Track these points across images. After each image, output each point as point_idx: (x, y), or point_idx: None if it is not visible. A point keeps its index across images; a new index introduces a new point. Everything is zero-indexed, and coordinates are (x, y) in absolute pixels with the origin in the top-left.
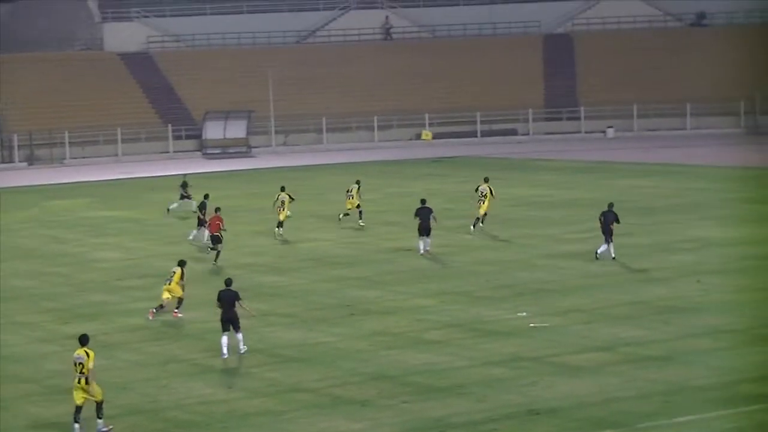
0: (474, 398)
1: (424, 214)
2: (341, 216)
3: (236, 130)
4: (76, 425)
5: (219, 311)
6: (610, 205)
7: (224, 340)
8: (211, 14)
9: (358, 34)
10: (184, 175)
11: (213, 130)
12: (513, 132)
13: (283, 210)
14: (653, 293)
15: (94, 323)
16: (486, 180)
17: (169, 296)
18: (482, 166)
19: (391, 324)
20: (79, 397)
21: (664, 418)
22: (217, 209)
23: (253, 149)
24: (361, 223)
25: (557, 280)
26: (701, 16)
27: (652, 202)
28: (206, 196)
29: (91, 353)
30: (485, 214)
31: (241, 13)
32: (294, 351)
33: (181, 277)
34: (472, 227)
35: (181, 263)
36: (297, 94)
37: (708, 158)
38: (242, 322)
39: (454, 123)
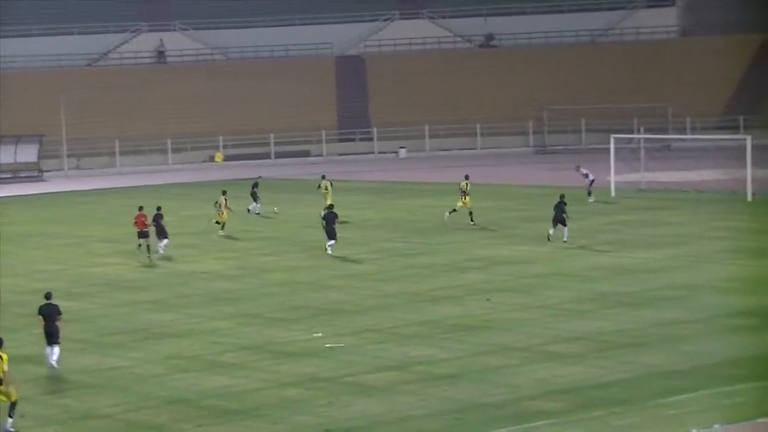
0: (269, 420)
1: (330, 217)
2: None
3: (27, 154)
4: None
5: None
6: (562, 196)
7: (48, 350)
8: (3, 37)
9: (149, 57)
10: (258, 177)
11: (3, 155)
12: (306, 153)
13: (223, 213)
14: (444, 312)
15: None
16: (466, 177)
17: None
18: (276, 188)
19: (186, 347)
20: None
21: None
22: (141, 208)
23: (44, 173)
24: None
25: (351, 300)
26: (490, 37)
27: (442, 221)
28: (159, 208)
29: (5, 356)
30: (470, 211)
31: (30, 36)
32: (87, 376)
33: None
34: (470, 221)
35: None
36: (89, 118)
37: (497, 177)
38: (40, 348)
39: (248, 145)
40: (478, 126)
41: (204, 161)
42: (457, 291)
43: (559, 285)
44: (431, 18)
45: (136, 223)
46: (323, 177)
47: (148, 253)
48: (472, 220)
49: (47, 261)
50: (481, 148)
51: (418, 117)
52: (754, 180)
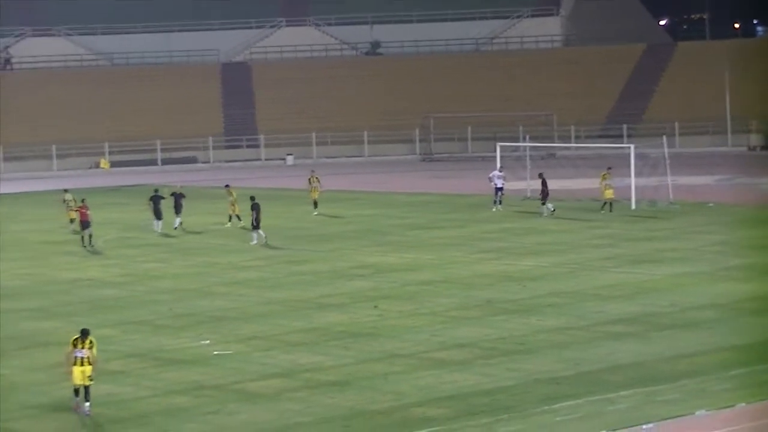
0: (156, 428)
1: (256, 208)
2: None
3: None
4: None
5: None
6: (541, 174)
7: None
8: None
9: (33, 62)
10: (156, 189)
11: None
12: (193, 160)
13: (234, 205)
14: (331, 319)
15: None
16: (609, 169)
17: None
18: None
19: None
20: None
21: None
22: (83, 200)
23: None
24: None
25: (237, 308)
26: (376, 45)
27: (329, 229)
28: (156, 190)
29: (95, 341)
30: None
31: None
32: None
33: None
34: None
35: None
36: None
37: (384, 185)
38: None
39: (134, 151)
40: (365, 133)
41: (90, 167)
42: (343, 298)
43: (446, 292)
44: (317, 25)
45: (80, 213)
46: (312, 171)
47: (90, 243)
48: (611, 210)
49: None
50: (368, 156)
51: (305, 124)
52: (638, 188)
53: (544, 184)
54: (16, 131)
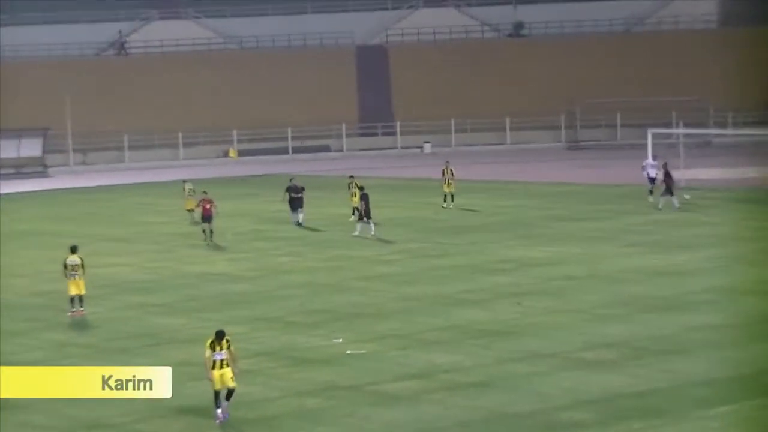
0: (287, 431)
1: (365, 197)
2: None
3: (31, 148)
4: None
5: None
6: (665, 165)
7: None
8: (4, 25)
9: (161, 46)
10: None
11: (6, 149)
12: (326, 148)
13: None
14: (471, 316)
15: None
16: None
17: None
18: None
19: (198, 353)
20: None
21: None
22: (205, 192)
23: (49, 169)
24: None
25: (372, 304)
26: (519, 26)
27: (468, 221)
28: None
29: (225, 342)
30: None
31: (35, 24)
32: None
33: None
34: None
35: None
36: (96, 110)
37: (526, 174)
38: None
39: (264, 139)
40: (507, 120)
41: (218, 156)
42: (484, 294)
43: (591, 288)
44: (457, 6)
45: (201, 207)
46: (446, 162)
47: (211, 238)
48: None
49: (51, 261)
50: (510, 144)
51: (443, 110)
52: None
53: (667, 174)
54: (139, 118)
